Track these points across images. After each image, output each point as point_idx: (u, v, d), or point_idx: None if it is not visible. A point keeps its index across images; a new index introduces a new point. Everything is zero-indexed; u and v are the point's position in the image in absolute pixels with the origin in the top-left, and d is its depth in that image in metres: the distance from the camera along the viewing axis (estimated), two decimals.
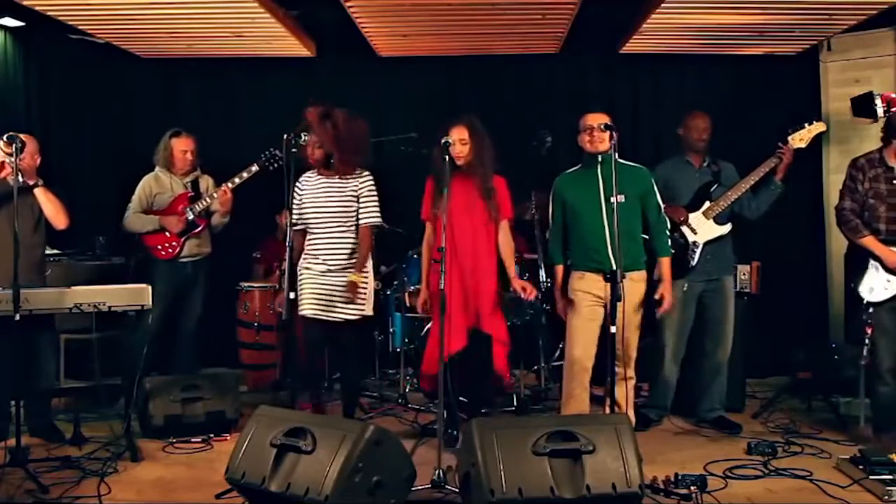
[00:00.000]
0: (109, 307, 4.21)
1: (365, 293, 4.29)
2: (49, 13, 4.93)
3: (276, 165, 4.98)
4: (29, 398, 4.32)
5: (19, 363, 4.12)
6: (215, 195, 5.01)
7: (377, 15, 5.03)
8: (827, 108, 5.81)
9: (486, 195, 4.15)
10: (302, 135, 4.08)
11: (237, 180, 5.00)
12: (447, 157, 3.88)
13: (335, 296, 4.23)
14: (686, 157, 4.72)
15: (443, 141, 3.90)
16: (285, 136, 4.03)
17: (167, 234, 4.99)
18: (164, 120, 6.10)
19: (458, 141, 4.06)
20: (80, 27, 5.30)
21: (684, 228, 4.56)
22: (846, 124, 5.53)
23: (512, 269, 4.28)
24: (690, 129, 4.67)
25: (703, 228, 4.58)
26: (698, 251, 4.56)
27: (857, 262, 4.31)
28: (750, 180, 4.55)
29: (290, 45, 5.64)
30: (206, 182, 5.18)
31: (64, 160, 5.75)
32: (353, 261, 4.25)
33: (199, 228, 5.06)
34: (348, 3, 4.77)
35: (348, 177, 4.28)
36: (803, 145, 4.55)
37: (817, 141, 4.66)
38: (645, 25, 5.11)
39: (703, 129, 4.66)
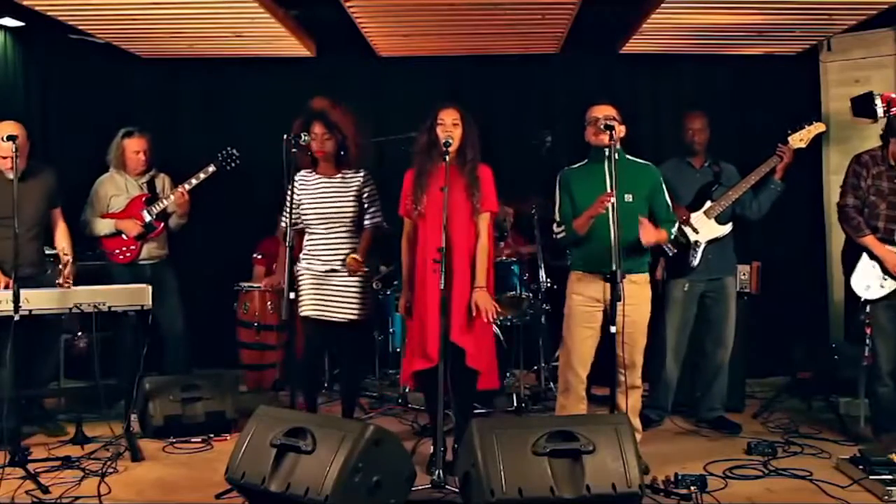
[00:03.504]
0: (109, 307, 4.21)
1: (364, 293, 4.25)
2: (49, 13, 4.92)
3: (233, 165, 4.95)
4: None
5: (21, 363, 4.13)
6: (172, 197, 4.91)
7: (377, 15, 5.03)
8: (827, 108, 5.80)
9: (472, 188, 3.89)
10: (302, 135, 4.05)
11: (194, 181, 4.89)
12: (447, 157, 3.83)
13: (337, 296, 4.21)
14: (687, 158, 4.72)
15: (443, 141, 3.84)
16: (285, 136, 4.02)
17: (124, 237, 4.89)
18: (164, 120, 6.13)
19: (451, 123, 3.88)
20: (80, 27, 5.30)
21: (686, 228, 4.55)
22: (846, 124, 5.52)
23: (483, 271, 3.85)
24: (685, 130, 4.68)
25: (704, 228, 4.58)
26: (700, 251, 4.56)
27: (851, 256, 4.33)
28: (750, 180, 4.55)
29: (290, 45, 5.64)
30: (162, 182, 5.07)
31: (64, 160, 5.73)
32: None
33: (157, 231, 4.94)
34: (348, 3, 4.77)
35: (349, 175, 4.26)
36: (803, 145, 4.55)
37: (817, 141, 4.66)
38: (645, 25, 5.10)
39: (697, 129, 4.66)
